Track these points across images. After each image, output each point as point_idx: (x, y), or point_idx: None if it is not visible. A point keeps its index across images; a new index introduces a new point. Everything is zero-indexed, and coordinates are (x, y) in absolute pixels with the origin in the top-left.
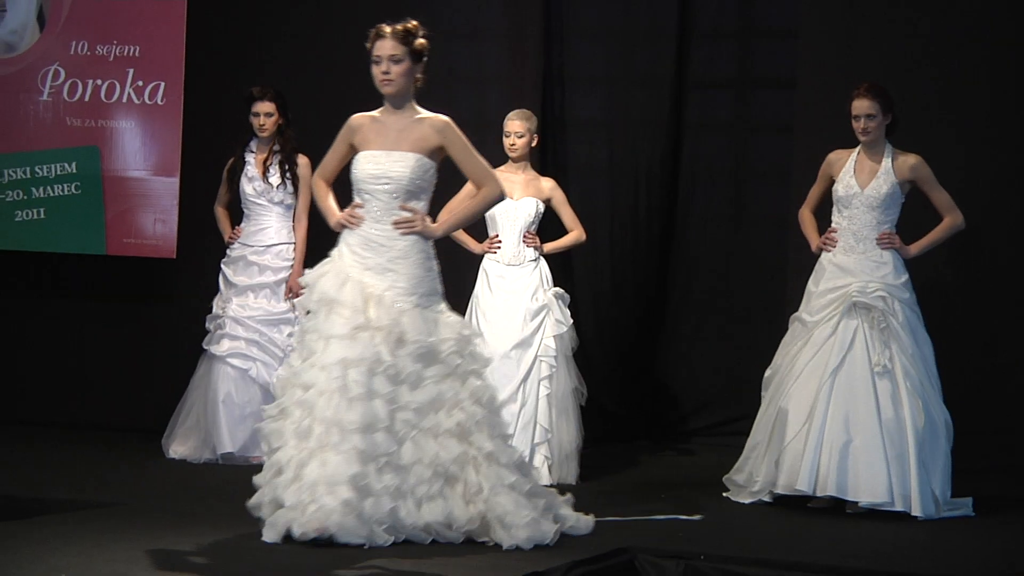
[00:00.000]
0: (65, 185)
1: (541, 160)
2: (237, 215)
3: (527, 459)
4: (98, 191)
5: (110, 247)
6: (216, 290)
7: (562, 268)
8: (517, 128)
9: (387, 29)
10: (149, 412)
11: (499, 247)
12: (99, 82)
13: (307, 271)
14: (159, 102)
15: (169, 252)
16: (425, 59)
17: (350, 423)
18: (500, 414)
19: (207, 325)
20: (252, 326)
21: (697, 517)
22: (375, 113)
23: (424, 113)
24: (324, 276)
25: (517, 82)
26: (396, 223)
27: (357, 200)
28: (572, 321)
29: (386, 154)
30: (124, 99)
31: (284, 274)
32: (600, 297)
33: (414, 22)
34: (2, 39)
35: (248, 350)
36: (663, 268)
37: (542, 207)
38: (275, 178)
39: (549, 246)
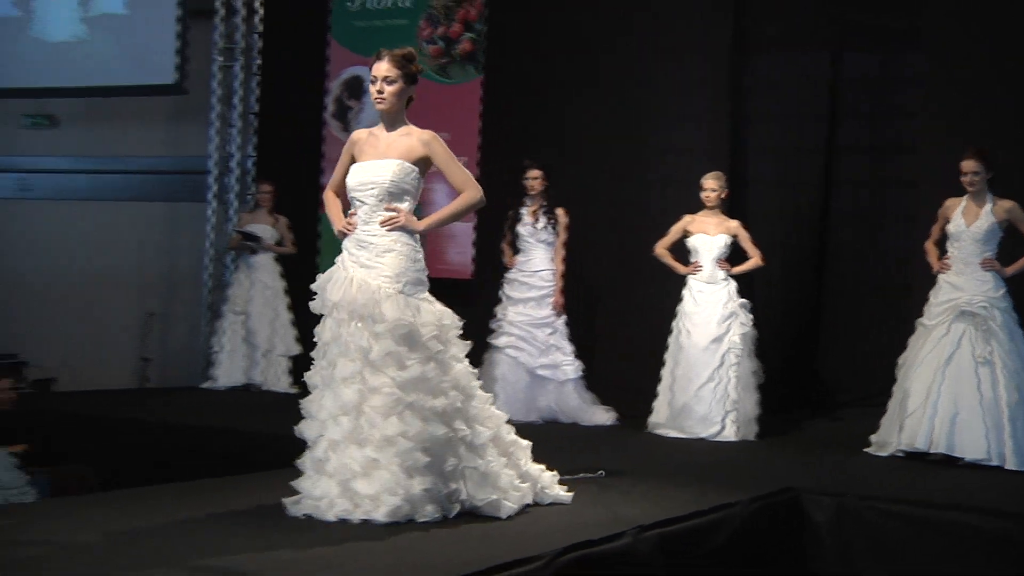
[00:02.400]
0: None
1: (731, 208)
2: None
3: (512, 442)
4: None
5: (429, 271)
6: (498, 302)
7: (746, 285)
8: (712, 185)
9: (385, 53)
10: None
11: (699, 270)
12: None
13: (319, 276)
14: None
15: (467, 274)
16: (416, 83)
17: (327, 412)
18: (474, 397)
19: (492, 325)
20: (523, 327)
21: (601, 473)
22: (372, 129)
23: (413, 128)
24: (329, 282)
25: (713, 151)
26: (382, 222)
27: (352, 209)
28: (753, 323)
29: (372, 163)
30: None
31: (546, 291)
32: (774, 306)
33: (410, 48)
34: (356, 129)
35: (519, 344)
36: (818, 286)
37: (730, 241)
38: (541, 223)
39: (736, 269)
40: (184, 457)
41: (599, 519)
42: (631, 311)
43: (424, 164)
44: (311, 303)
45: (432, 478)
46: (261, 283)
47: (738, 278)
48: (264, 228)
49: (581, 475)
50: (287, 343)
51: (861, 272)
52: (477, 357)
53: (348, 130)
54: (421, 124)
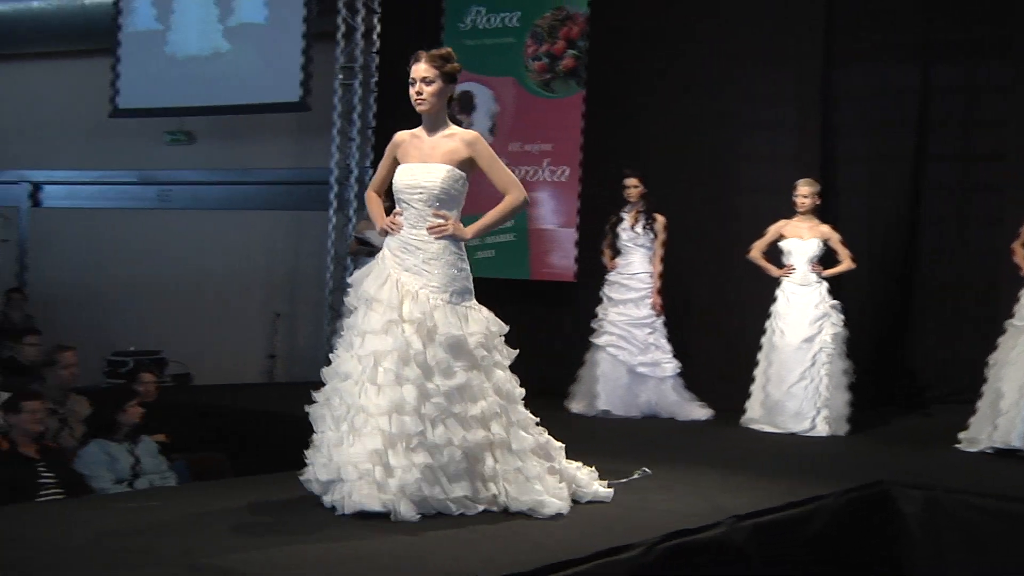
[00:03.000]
0: (506, 234)
1: (821, 213)
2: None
3: (545, 443)
4: (526, 238)
5: (533, 274)
6: (599, 303)
7: (837, 287)
8: (805, 191)
9: (423, 53)
10: (557, 380)
11: (793, 272)
12: (527, 168)
13: (356, 271)
14: (564, 179)
15: (570, 277)
16: (455, 81)
17: (376, 407)
18: (518, 403)
19: (593, 325)
20: (622, 326)
21: (648, 471)
22: (415, 130)
23: (456, 129)
24: (367, 277)
25: (804, 159)
26: (430, 228)
27: (397, 208)
28: (844, 323)
29: (420, 166)
30: (542, 178)
31: (644, 293)
32: (863, 307)
33: (448, 49)
34: None
35: (619, 343)
36: (907, 287)
37: (823, 245)
38: (640, 229)
39: (828, 272)
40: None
41: (696, 509)
42: (725, 311)
43: (468, 166)
44: (346, 298)
45: (469, 484)
46: None
47: (829, 280)
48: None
49: (633, 475)
50: None
51: (948, 274)
52: (580, 355)
53: None
54: (526, 137)
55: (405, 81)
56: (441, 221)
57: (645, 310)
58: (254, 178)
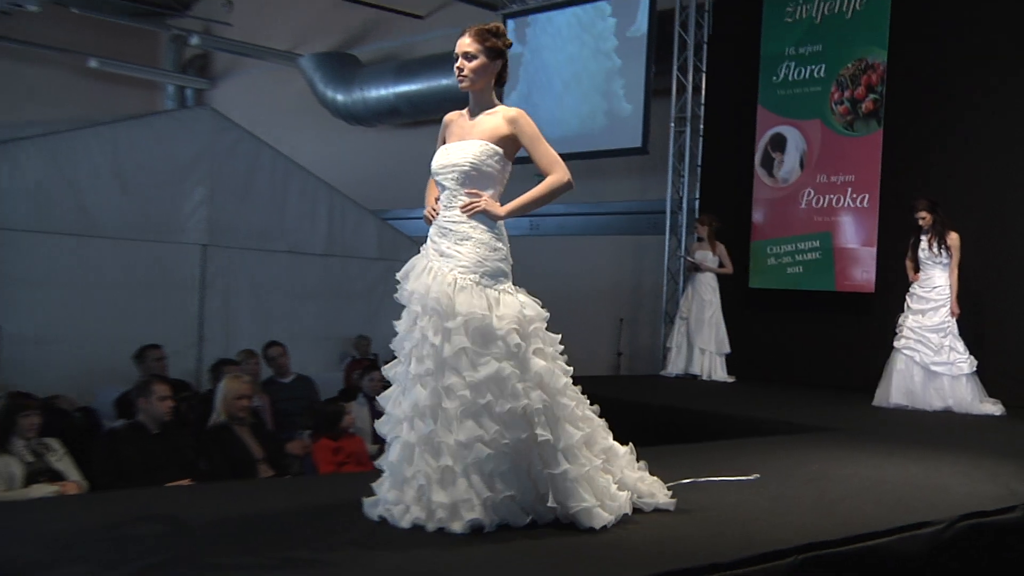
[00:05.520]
0: (812, 253)
1: None
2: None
3: (599, 442)
4: (831, 256)
5: (837, 286)
6: (896, 312)
7: None
8: None
9: (469, 28)
10: (860, 379)
11: None
12: (832, 196)
13: (406, 265)
14: (865, 205)
15: (870, 289)
16: (502, 57)
17: (402, 413)
18: (562, 396)
19: (895, 330)
20: (917, 331)
21: (754, 476)
22: (463, 111)
23: (500, 107)
24: (411, 271)
25: None
26: (462, 207)
27: (437, 192)
28: None
29: (456, 144)
30: (845, 205)
31: (940, 303)
32: None
33: (497, 24)
34: (781, 176)
35: (914, 345)
36: None
37: None
38: (936, 249)
39: None
40: (647, 428)
41: (994, 492)
42: (1017, 317)
43: (510, 144)
44: (395, 295)
45: (518, 484)
46: (702, 297)
47: None
48: (706, 254)
49: (740, 478)
50: (719, 342)
51: None
52: (879, 356)
53: (773, 177)
54: (831, 170)
55: (730, 128)
56: (473, 199)
57: (939, 317)
58: (606, 209)
